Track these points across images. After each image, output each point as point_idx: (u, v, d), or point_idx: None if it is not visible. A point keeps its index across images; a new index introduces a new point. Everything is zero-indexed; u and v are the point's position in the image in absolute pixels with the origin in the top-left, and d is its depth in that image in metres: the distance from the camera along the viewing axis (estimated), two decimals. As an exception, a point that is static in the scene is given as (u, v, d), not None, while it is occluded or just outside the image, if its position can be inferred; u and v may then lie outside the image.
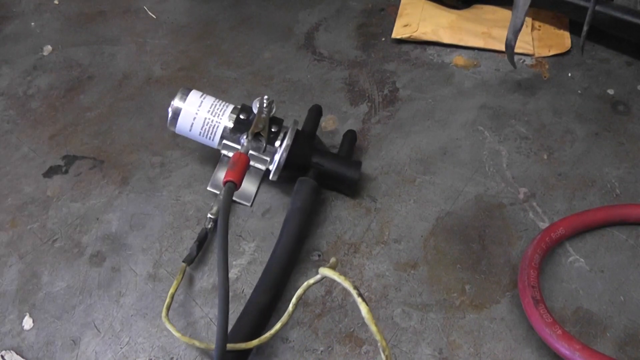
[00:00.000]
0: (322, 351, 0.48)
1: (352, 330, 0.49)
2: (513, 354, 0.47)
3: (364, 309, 0.36)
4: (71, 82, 0.71)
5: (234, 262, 0.54)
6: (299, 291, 0.43)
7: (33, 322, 0.50)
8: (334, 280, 0.51)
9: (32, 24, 0.80)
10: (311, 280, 0.42)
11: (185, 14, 0.81)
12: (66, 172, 0.62)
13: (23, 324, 0.50)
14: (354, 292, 0.36)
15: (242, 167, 0.51)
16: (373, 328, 0.35)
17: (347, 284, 0.37)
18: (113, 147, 0.64)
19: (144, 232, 0.56)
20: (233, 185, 0.49)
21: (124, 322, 0.50)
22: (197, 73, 0.72)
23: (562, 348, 0.43)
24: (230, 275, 0.52)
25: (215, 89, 0.69)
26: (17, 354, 0.48)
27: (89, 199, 0.59)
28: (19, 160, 0.63)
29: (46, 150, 0.64)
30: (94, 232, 0.56)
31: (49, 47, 0.76)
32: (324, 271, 0.39)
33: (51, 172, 0.62)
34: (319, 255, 0.54)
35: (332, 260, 0.40)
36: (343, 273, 0.52)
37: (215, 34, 0.77)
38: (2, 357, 0.48)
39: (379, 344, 0.36)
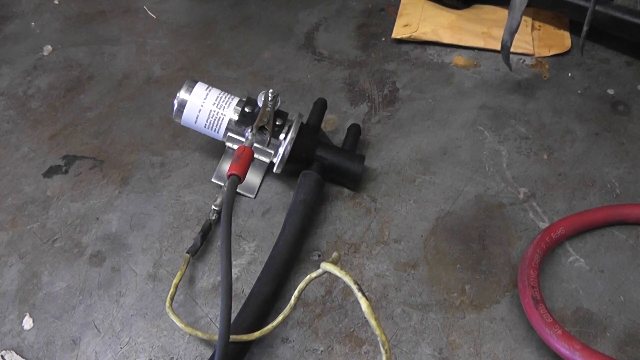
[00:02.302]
0: (322, 351, 0.48)
1: (352, 330, 0.49)
2: (513, 354, 0.47)
3: (363, 303, 0.36)
4: (71, 82, 0.71)
5: (234, 262, 0.53)
6: (301, 284, 0.43)
7: (33, 322, 0.50)
8: (335, 277, 0.52)
9: (32, 24, 0.80)
10: (313, 274, 0.42)
11: (185, 14, 0.81)
12: (66, 172, 0.62)
13: (23, 324, 0.50)
14: (354, 287, 0.36)
15: (246, 160, 0.51)
16: (373, 322, 0.35)
17: (347, 279, 0.37)
18: (113, 147, 0.64)
19: (144, 232, 0.56)
20: (237, 179, 0.49)
21: (124, 322, 0.50)
22: (197, 73, 0.72)
23: (562, 348, 0.43)
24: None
25: (215, 89, 0.69)
26: (17, 354, 0.48)
27: (89, 199, 0.59)
28: (19, 160, 0.63)
29: (46, 150, 0.64)
30: (94, 232, 0.56)
31: (49, 47, 0.76)
32: (326, 266, 0.39)
33: (51, 172, 0.62)
34: (319, 255, 0.54)
35: (334, 254, 0.40)
36: (343, 273, 0.52)
37: (215, 34, 0.77)
38: (2, 357, 0.48)
39: (378, 338, 0.35)
